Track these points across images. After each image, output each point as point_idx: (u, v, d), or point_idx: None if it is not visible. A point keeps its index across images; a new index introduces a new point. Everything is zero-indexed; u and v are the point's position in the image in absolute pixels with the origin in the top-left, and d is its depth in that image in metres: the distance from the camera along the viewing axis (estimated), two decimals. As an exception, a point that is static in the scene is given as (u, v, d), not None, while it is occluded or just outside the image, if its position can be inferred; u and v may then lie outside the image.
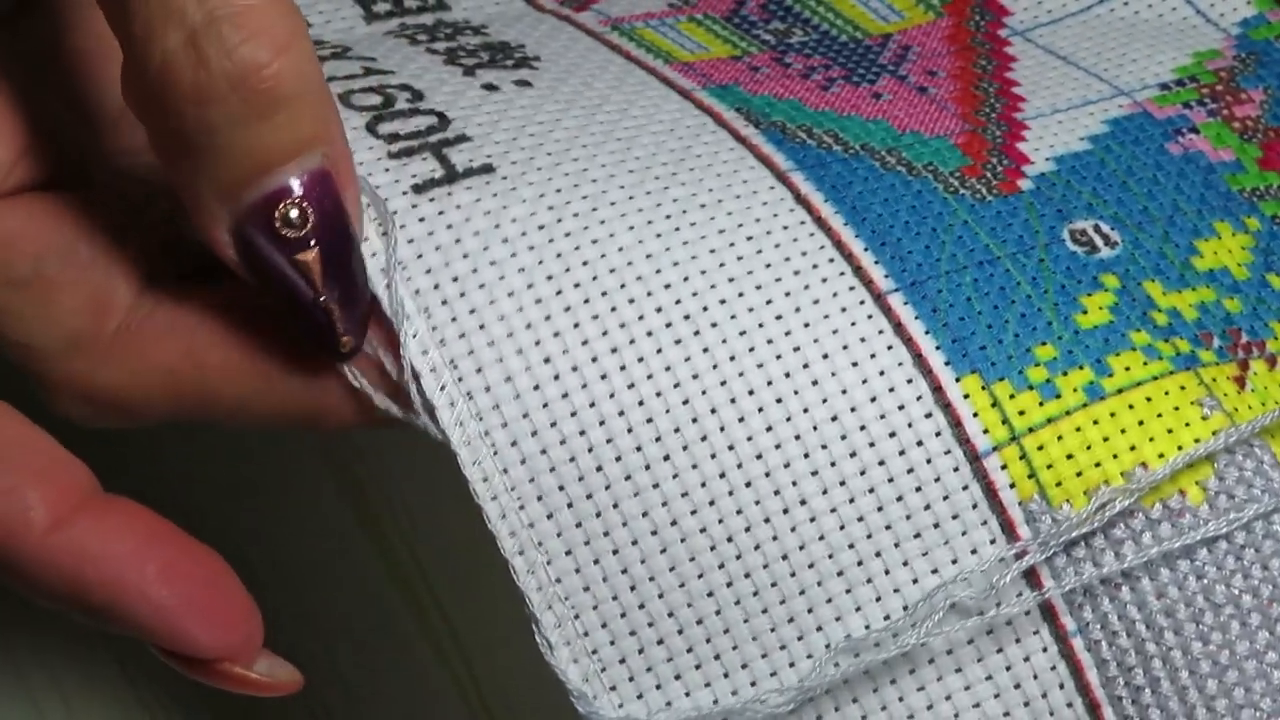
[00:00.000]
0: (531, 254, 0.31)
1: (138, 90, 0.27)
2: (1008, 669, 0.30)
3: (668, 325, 0.31)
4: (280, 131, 0.27)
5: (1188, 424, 0.31)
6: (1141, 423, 0.31)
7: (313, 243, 0.28)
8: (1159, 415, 0.31)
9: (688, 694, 0.30)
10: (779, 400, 0.30)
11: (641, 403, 0.30)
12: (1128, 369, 0.32)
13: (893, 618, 0.30)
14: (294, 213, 0.27)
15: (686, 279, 0.31)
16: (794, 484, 0.30)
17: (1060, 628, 0.30)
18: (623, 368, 0.30)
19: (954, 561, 0.30)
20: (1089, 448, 0.31)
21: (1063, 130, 0.36)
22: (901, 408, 0.31)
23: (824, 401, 0.31)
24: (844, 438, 0.30)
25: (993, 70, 0.39)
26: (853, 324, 0.31)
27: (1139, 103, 0.37)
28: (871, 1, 0.41)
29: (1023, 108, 0.37)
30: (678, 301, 0.31)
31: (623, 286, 0.31)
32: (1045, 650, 0.30)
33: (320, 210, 0.28)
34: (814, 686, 0.30)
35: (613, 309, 0.31)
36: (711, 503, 0.30)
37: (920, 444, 0.30)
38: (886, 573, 0.30)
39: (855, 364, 0.31)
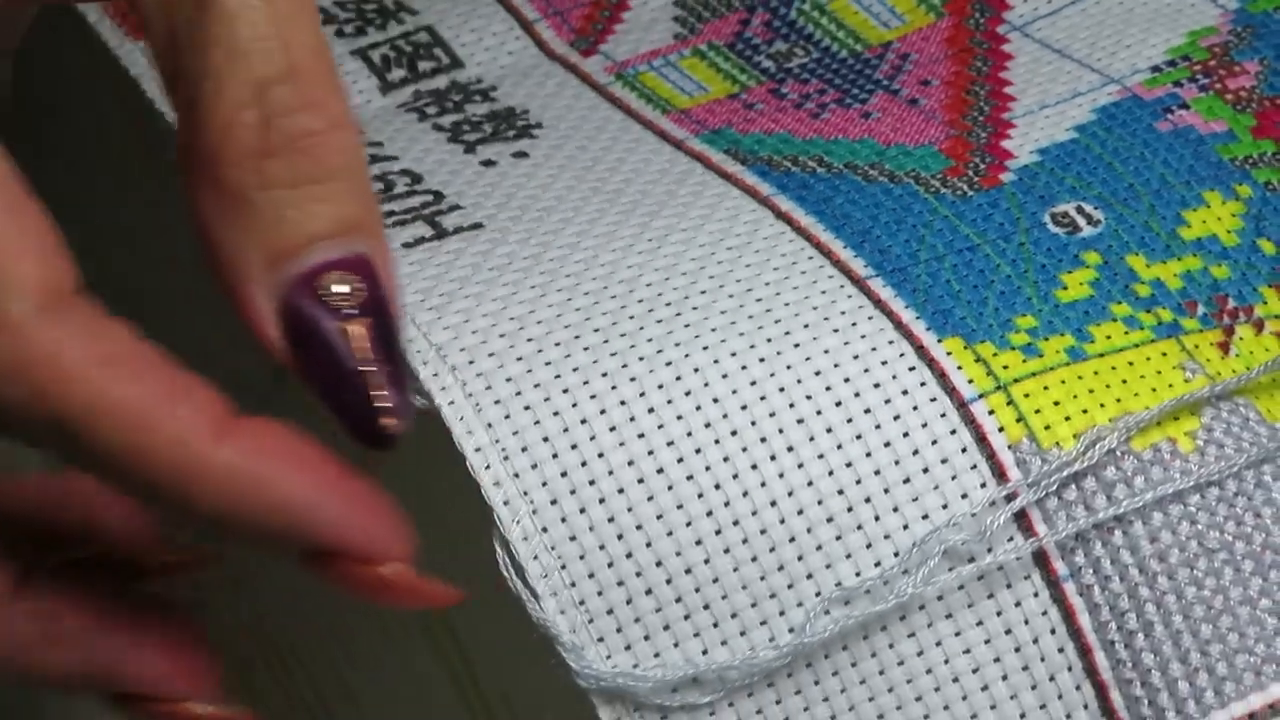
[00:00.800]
0: (515, 274, 0.33)
1: (196, 148, 0.28)
2: (998, 614, 0.30)
3: (650, 310, 0.32)
4: (328, 204, 0.28)
5: (1171, 385, 0.32)
6: (1125, 381, 0.32)
7: (360, 315, 0.28)
8: (1141, 377, 0.32)
9: (676, 644, 0.30)
10: (762, 359, 0.31)
11: (625, 365, 0.31)
12: (1109, 337, 0.33)
13: (884, 564, 0.30)
14: (343, 286, 0.28)
15: (667, 279, 0.33)
16: (780, 431, 0.31)
17: (1052, 572, 0.31)
18: (597, 329, 0.32)
19: (944, 506, 0.31)
20: (1075, 397, 0.32)
21: (1049, 124, 0.38)
22: (885, 363, 0.32)
23: (807, 359, 0.31)
24: (829, 389, 0.31)
25: (987, 72, 0.39)
26: (833, 301, 0.32)
27: (1128, 88, 0.38)
28: (874, 6, 0.41)
29: (1012, 107, 0.39)
30: (660, 295, 0.32)
31: (605, 288, 0.32)
32: (1036, 595, 0.31)
33: (370, 290, 0.28)
34: (809, 641, 0.30)
35: (595, 303, 0.32)
36: (697, 451, 0.30)
37: (905, 393, 0.31)
38: (876, 519, 0.30)
39: (837, 330, 0.32)
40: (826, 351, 0.31)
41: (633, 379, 0.31)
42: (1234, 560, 0.31)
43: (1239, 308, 0.34)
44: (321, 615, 0.44)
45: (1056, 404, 0.31)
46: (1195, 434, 0.32)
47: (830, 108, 0.39)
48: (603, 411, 0.30)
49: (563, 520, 0.30)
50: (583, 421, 0.30)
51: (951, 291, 0.33)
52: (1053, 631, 0.31)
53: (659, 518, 0.30)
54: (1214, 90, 0.38)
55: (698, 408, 0.31)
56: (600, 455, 0.30)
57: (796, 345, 0.31)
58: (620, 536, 0.30)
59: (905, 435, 0.31)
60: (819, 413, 0.31)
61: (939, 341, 0.32)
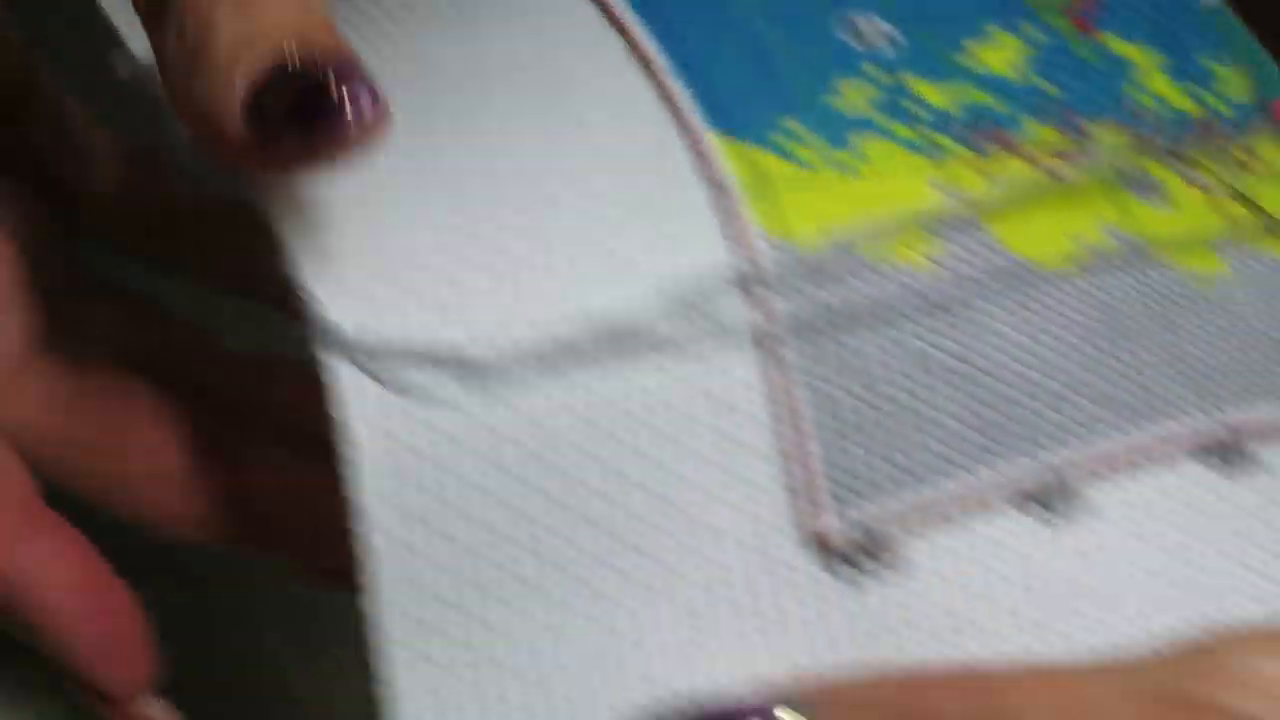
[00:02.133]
0: None
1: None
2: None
3: None
4: (268, 14, 0.29)
5: (921, 199, 0.33)
6: (876, 192, 0.33)
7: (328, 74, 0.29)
8: (893, 191, 0.33)
9: None
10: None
11: None
12: (871, 149, 0.34)
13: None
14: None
15: None
16: None
17: (776, 354, 0.31)
18: None
19: (685, 260, 0.31)
20: (825, 201, 0.32)
21: None
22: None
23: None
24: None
25: None
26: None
27: None
28: None
29: None
30: None
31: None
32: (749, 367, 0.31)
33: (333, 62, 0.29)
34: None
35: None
36: None
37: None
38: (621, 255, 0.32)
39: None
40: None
41: None
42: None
43: (1005, 134, 0.34)
44: (321, 615, 0.44)
45: (806, 205, 0.32)
46: (933, 255, 0.32)
47: None
48: None
49: None
50: None
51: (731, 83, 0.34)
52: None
53: None
54: None
55: None
56: None
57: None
58: None
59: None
60: None
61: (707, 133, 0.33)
